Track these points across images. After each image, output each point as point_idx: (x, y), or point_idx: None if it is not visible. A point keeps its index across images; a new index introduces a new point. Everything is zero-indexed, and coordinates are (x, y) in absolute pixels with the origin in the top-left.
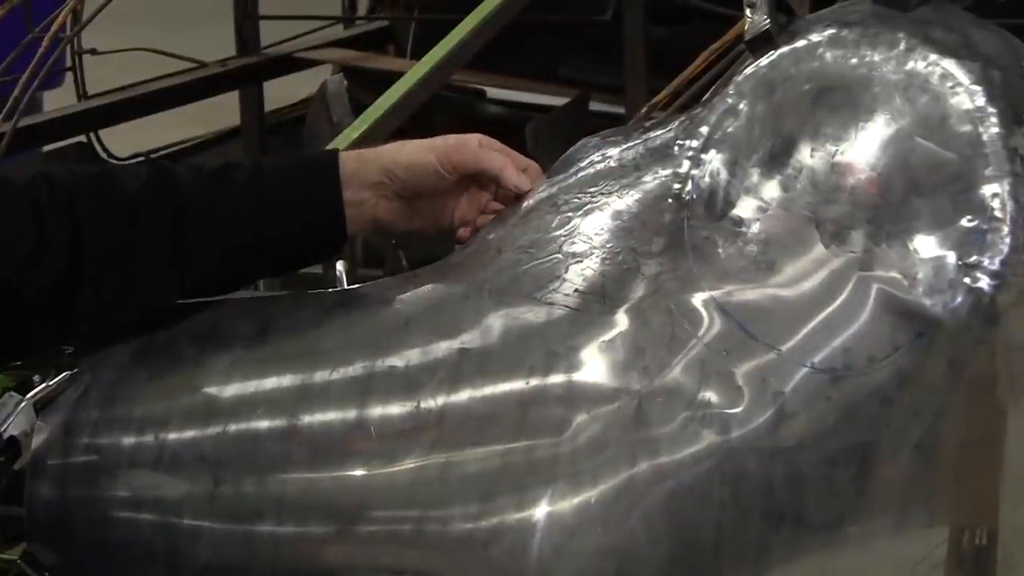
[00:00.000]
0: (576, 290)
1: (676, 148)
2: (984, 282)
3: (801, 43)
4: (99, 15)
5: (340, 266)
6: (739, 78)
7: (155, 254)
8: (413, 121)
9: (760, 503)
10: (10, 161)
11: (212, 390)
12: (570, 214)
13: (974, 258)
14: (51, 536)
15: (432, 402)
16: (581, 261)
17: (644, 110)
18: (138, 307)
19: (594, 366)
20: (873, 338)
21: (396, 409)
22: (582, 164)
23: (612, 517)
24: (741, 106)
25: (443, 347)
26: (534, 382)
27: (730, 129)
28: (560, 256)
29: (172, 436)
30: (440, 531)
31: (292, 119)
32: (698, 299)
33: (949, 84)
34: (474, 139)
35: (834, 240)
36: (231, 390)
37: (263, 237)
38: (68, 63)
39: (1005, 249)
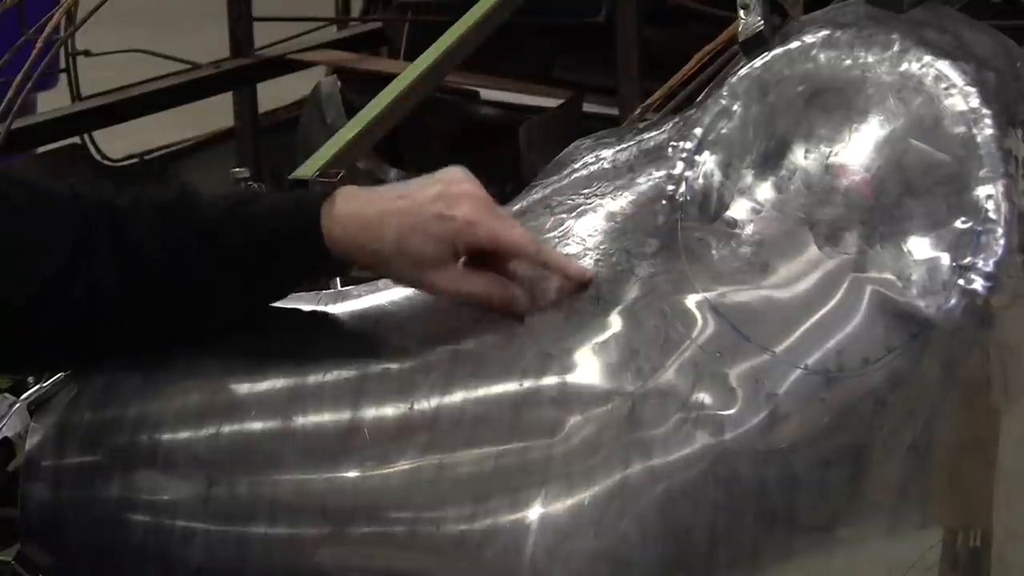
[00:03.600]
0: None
1: (670, 149)
2: (978, 284)
3: (795, 44)
4: (93, 16)
5: None
6: (733, 79)
7: (160, 295)
8: (407, 123)
9: (753, 505)
10: (4, 163)
11: (205, 392)
12: (563, 215)
13: (968, 260)
14: (45, 537)
15: (426, 403)
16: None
17: (638, 111)
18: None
19: (587, 368)
20: (867, 340)
21: (390, 410)
22: (575, 165)
23: (606, 519)
24: (735, 107)
25: (437, 349)
26: (527, 384)
27: (724, 130)
28: None
29: (166, 437)
30: (433, 533)
31: (286, 120)
32: (692, 300)
33: (943, 86)
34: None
35: (828, 241)
36: (224, 392)
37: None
38: (62, 65)
39: (999, 251)
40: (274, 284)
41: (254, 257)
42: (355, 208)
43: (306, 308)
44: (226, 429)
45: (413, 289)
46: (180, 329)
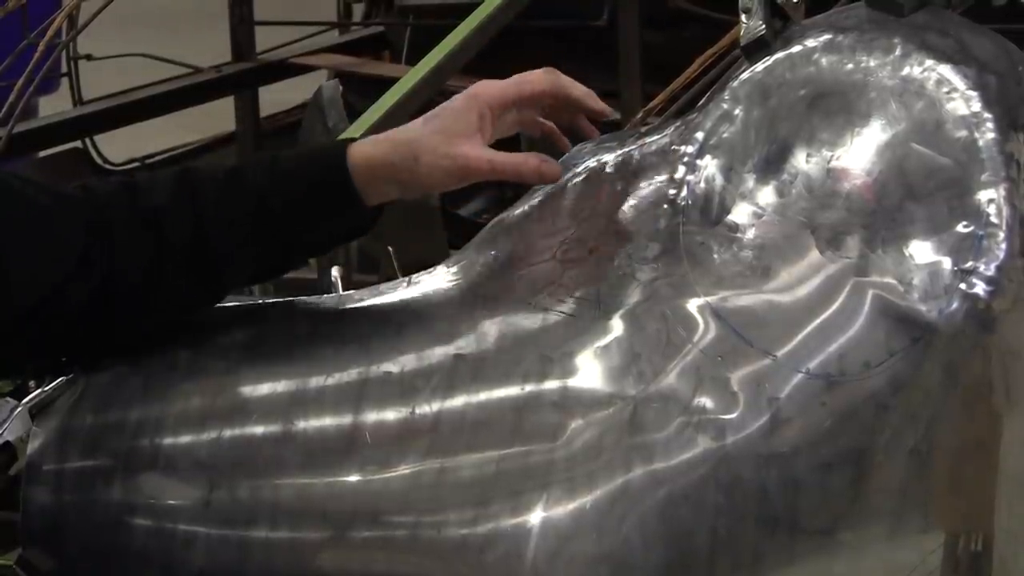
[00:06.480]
0: (571, 296)
1: (671, 153)
2: (980, 288)
3: (796, 48)
4: (94, 20)
5: (335, 271)
6: (734, 83)
7: (182, 263)
8: None
9: (755, 509)
10: (5, 167)
11: (207, 395)
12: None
13: (970, 264)
14: (46, 541)
15: (427, 408)
16: (576, 267)
17: (639, 115)
18: (173, 314)
19: (589, 372)
20: (868, 344)
21: (391, 415)
22: (577, 170)
23: (607, 523)
24: (736, 111)
25: (438, 353)
26: (529, 388)
27: (725, 134)
28: (555, 262)
29: (167, 441)
30: (435, 537)
31: (287, 124)
32: (693, 305)
33: (945, 89)
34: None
35: (829, 246)
36: (226, 395)
37: (288, 240)
38: (64, 69)
39: (1001, 255)
40: (302, 235)
41: (280, 201)
42: (372, 139)
43: (307, 312)
44: (227, 433)
45: (410, 294)
46: (202, 298)
